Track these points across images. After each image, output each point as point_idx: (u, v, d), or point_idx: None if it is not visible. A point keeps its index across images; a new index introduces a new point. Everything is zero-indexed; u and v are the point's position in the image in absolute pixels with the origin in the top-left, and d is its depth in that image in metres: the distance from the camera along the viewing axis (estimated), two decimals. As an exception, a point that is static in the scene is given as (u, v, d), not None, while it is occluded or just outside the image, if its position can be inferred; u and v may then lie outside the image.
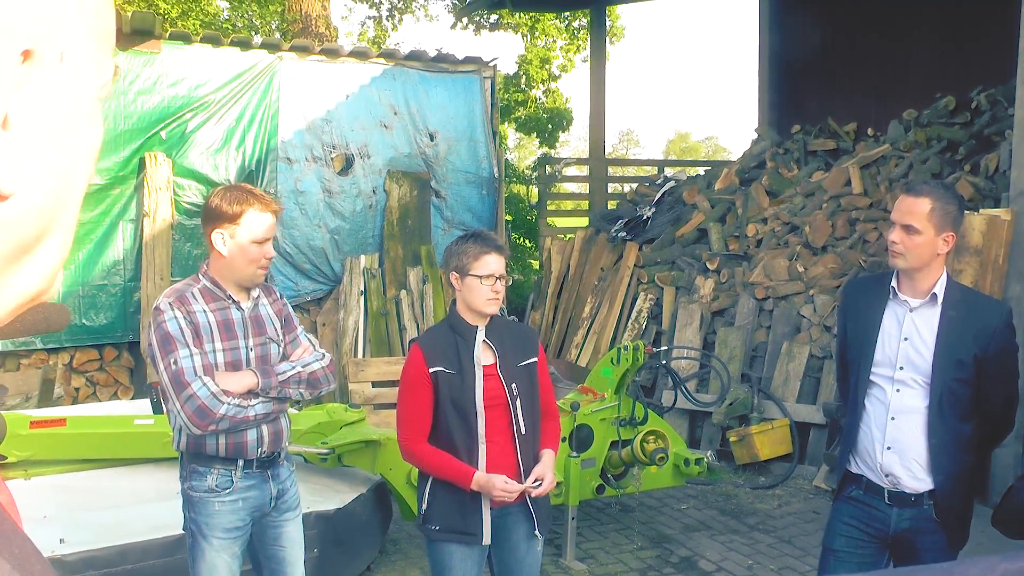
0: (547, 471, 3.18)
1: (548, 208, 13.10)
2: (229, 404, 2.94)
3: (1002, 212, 5.71)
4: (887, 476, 3.04)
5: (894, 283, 3.09)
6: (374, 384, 7.87)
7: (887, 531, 3.07)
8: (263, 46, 8.51)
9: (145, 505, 4.34)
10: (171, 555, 3.94)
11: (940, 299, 3.01)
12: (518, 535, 3.24)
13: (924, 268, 2.99)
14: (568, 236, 11.31)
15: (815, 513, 6.06)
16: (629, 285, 9.37)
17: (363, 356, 8.33)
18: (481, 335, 3.17)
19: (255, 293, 3.22)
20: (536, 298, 10.63)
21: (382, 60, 9.13)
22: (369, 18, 19.49)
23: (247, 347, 3.12)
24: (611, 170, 14.06)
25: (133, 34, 7.77)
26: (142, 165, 7.84)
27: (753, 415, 7.00)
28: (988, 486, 5.49)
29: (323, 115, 8.73)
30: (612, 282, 9.52)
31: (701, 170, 12.32)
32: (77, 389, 7.84)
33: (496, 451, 3.14)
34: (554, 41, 20.09)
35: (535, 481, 3.14)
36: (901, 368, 3.03)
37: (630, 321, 9.05)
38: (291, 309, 3.40)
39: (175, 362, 2.93)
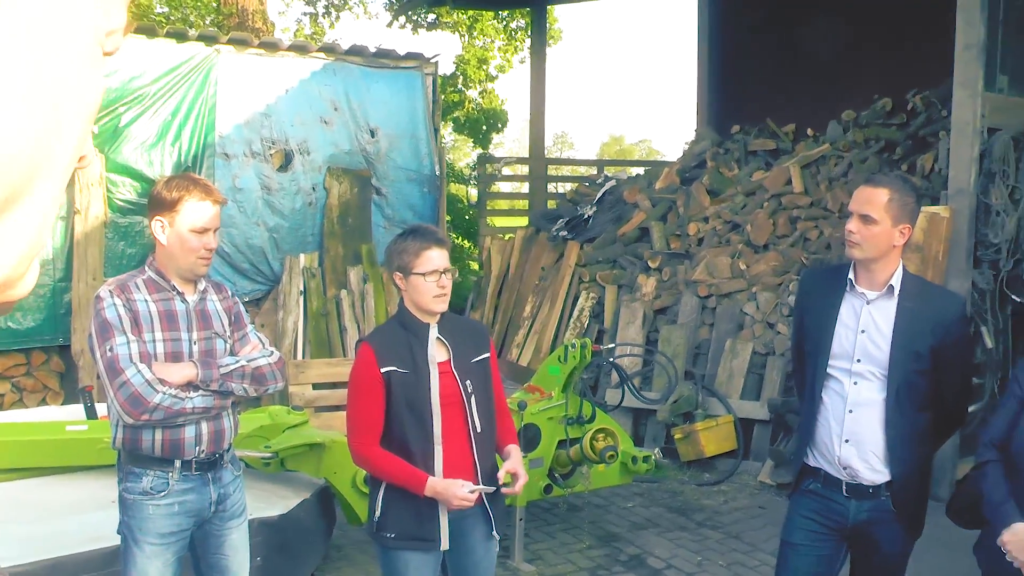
0: (518, 466, 3.11)
1: (486, 208, 13.04)
2: (165, 393, 2.84)
3: (941, 210, 5.81)
4: (845, 469, 3.04)
5: (851, 275, 3.09)
6: (315, 386, 7.71)
7: (846, 523, 3.07)
8: (200, 38, 8.27)
9: (80, 515, 4.12)
10: (108, 567, 3.74)
11: (897, 291, 3.01)
12: (475, 537, 3.15)
13: (881, 259, 3.00)
14: (508, 236, 11.26)
15: (761, 508, 6.09)
16: (571, 284, 9.35)
17: (303, 357, 8.16)
18: (434, 332, 3.09)
19: (202, 286, 3.14)
20: (476, 298, 10.56)
21: (322, 55, 8.95)
22: (305, 14, 19.21)
23: (190, 340, 3.03)
24: (548, 170, 14.06)
25: (61, 25, 7.47)
26: (72, 160, 7.55)
27: (697, 412, 7.02)
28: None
29: (262, 110, 8.51)
30: (553, 281, 9.49)
31: (641, 170, 12.38)
32: (2, 395, 7.51)
33: (452, 452, 3.05)
34: (492, 41, 20.07)
35: (509, 476, 3.06)
36: (859, 361, 3.03)
37: (572, 320, 9.03)
38: (242, 308, 3.31)
39: (111, 349, 2.84)
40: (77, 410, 5.22)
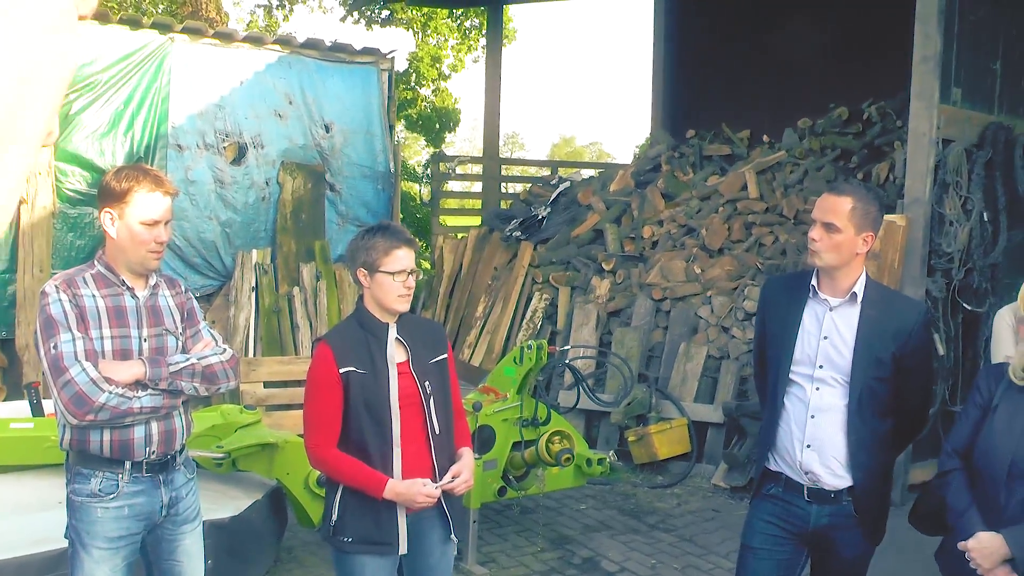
0: (465, 468, 3.06)
1: (439, 207, 12.98)
2: (111, 393, 2.75)
3: (897, 218, 5.89)
4: (807, 474, 3.05)
5: (814, 282, 3.10)
6: (266, 384, 7.60)
7: (806, 528, 3.08)
8: (154, 26, 8.12)
9: (23, 516, 3.99)
10: (53, 571, 3.62)
11: (860, 298, 3.03)
12: (431, 540, 3.10)
13: (844, 267, 3.02)
14: (460, 235, 11.22)
15: (714, 511, 6.12)
16: (524, 285, 9.33)
17: (254, 355, 8.03)
18: (393, 332, 3.04)
19: (153, 281, 3.04)
20: (427, 297, 10.49)
21: (277, 47, 8.83)
22: (259, 6, 18.95)
23: (140, 337, 2.93)
24: (501, 170, 14.06)
25: (8, 8, 7.27)
26: (18, 149, 7.33)
27: (651, 415, 7.03)
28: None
29: (216, 101, 8.36)
30: (506, 281, 9.47)
31: (594, 172, 12.41)
32: (-59, 391, 7.28)
33: (410, 453, 3.00)
34: (445, 40, 20.02)
35: (451, 478, 3.01)
36: (821, 367, 3.04)
37: (525, 321, 9.02)
38: (196, 303, 3.21)
39: (55, 346, 2.75)
40: (21, 407, 5.07)
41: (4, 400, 7.04)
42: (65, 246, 7.59)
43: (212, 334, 3.18)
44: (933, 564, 2.97)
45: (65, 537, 2.99)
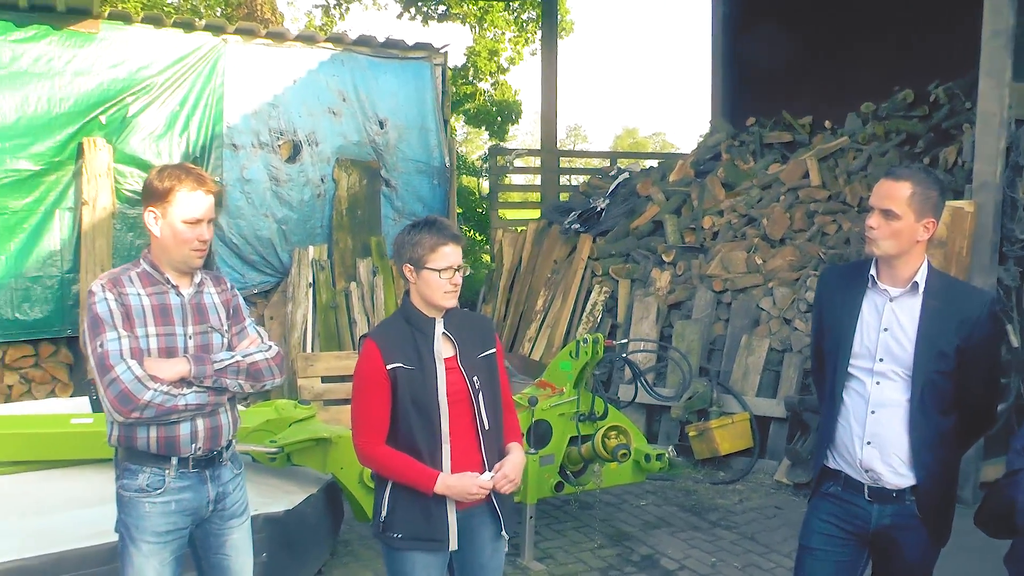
0: (508, 464, 2.99)
1: (498, 200, 12.95)
2: (156, 390, 2.78)
3: (965, 204, 5.67)
4: (867, 472, 2.92)
5: (873, 271, 2.96)
6: (324, 379, 7.67)
7: (867, 528, 2.95)
8: (207, 28, 8.26)
9: (83, 510, 4.06)
10: (112, 562, 3.67)
11: (921, 288, 2.89)
12: (483, 537, 3.06)
13: (903, 255, 2.88)
14: (520, 228, 11.16)
15: (777, 508, 5.98)
16: (583, 278, 9.25)
17: (312, 350, 8.10)
18: (440, 327, 2.99)
19: (198, 279, 3.07)
20: (487, 291, 10.47)
21: (330, 45, 8.89)
22: (316, 7, 19.15)
23: (185, 334, 2.96)
24: (560, 162, 13.97)
25: (68, 13, 7.43)
26: (80, 151, 7.50)
27: (712, 409, 6.91)
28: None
29: (270, 100, 8.47)
30: (566, 275, 9.39)
31: (654, 162, 12.26)
32: (10, 387, 7.47)
33: (460, 449, 2.95)
34: (503, 33, 19.98)
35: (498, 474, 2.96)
36: (881, 360, 2.91)
37: (584, 314, 8.94)
38: (241, 300, 3.22)
39: (101, 345, 2.79)
40: (85, 402, 5.17)
41: (71, 396, 7.20)
42: (125, 245, 7.76)
43: (258, 331, 3.18)
44: (1003, 569, 2.83)
45: (115, 531, 3.02)
